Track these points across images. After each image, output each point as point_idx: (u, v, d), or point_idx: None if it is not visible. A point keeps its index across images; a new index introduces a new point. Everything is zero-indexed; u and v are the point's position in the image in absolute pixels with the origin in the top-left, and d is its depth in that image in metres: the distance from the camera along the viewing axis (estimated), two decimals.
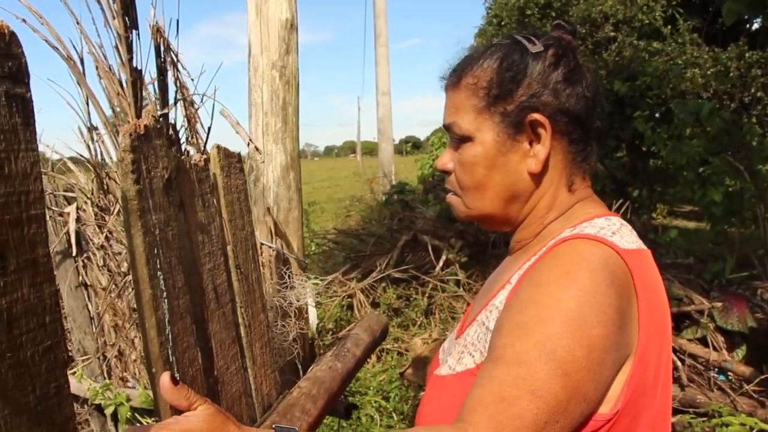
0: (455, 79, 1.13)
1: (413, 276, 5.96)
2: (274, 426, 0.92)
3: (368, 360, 5.13)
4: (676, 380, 3.99)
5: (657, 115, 8.30)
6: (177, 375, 1.11)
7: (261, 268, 2.25)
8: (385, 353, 5.25)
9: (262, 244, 2.27)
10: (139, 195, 1.03)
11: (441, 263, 5.98)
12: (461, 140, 1.11)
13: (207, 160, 1.34)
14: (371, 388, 4.55)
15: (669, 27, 11.31)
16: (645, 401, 0.97)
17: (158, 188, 1.09)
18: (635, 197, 8.58)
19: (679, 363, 4.01)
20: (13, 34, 0.77)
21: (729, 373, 4.03)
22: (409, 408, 4.23)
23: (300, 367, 2.23)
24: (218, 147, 1.40)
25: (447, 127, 1.14)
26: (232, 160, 1.45)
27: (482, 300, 1.15)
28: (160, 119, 2.10)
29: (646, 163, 8.91)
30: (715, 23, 11.55)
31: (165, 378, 0.93)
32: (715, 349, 4.10)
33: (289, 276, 2.23)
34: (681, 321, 4.35)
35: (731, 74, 8.76)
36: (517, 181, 1.08)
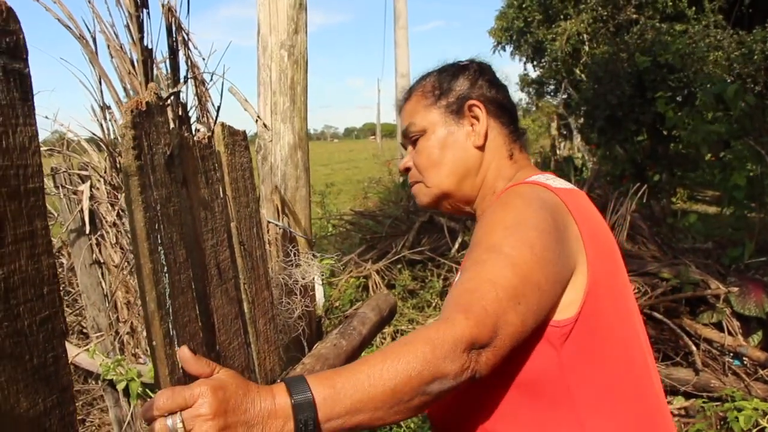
0: (407, 96, 1.45)
1: (429, 258, 5.96)
2: (282, 378, 0.97)
3: (383, 340, 5.15)
4: (691, 364, 3.97)
5: (679, 98, 8.19)
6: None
7: (267, 245, 2.27)
8: (401, 334, 5.27)
9: (268, 222, 2.29)
10: (139, 171, 1.04)
11: (457, 245, 5.97)
12: (418, 137, 1.38)
13: (211, 138, 1.35)
14: None
15: (694, 8, 11.13)
16: (604, 320, 1.14)
17: (160, 164, 1.10)
18: (655, 181, 8.49)
19: (693, 347, 3.98)
20: (10, 10, 0.78)
21: (744, 359, 4.00)
22: None
23: (306, 344, 2.25)
24: (222, 125, 1.41)
25: (405, 133, 1.42)
26: (236, 138, 1.46)
27: None
28: (170, 97, 2.12)
29: (666, 147, 8.80)
30: (742, 4, 11.34)
31: (184, 350, 0.98)
32: (730, 334, 4.07)
33: (294, 254, 2.25)
34: (697, 305, 4.32)
35: (756, 57, 8.62)
36: (467, 156, 1.35)
